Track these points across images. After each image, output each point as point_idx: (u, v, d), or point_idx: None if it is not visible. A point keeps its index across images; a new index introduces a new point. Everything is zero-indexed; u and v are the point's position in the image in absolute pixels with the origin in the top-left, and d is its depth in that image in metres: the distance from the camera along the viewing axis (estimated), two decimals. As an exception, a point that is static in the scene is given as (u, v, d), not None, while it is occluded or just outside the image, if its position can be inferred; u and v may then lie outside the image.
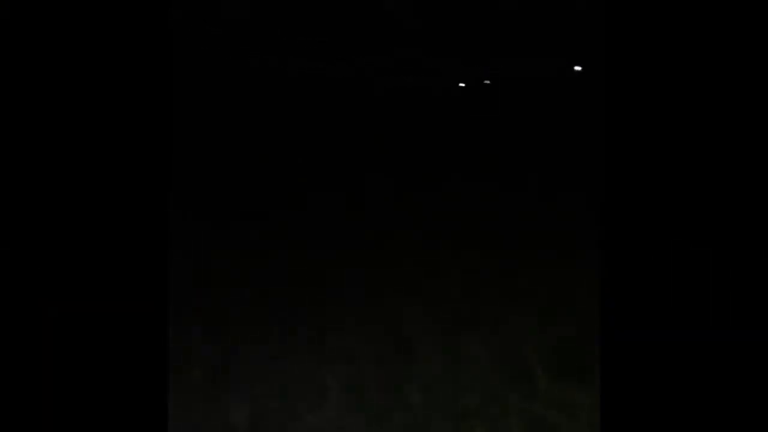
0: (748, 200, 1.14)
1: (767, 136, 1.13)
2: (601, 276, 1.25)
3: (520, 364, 2.71)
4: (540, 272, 3.99)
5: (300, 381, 2.77)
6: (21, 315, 1.21)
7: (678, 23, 1.19)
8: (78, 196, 1.25)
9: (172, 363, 3.06)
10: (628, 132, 1.23)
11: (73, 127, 1.25)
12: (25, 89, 1.24)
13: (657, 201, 1.20)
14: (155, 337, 1.29)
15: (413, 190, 7.13)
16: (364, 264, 4.58)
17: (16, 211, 1.22)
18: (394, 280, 4.20)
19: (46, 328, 1.22)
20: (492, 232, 5.37)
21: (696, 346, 1.16)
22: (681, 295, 1.18)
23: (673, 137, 1.19)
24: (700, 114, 1.17)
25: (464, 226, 5.61)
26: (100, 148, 1.27)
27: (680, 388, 1.17)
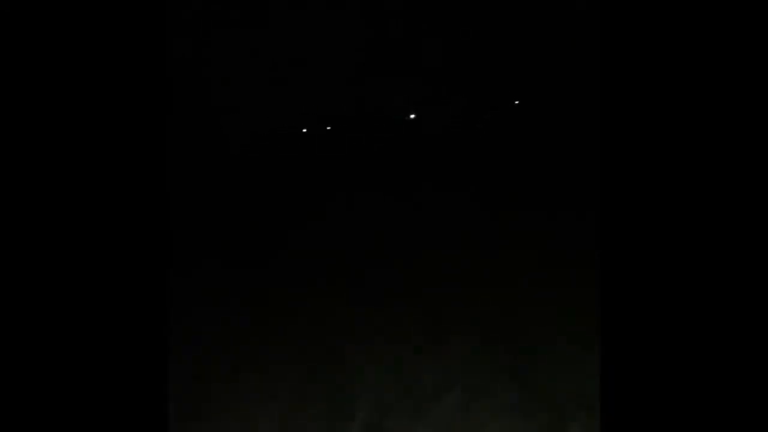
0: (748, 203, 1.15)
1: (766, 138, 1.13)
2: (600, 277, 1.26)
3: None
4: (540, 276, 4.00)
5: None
6: (21, 315, 1.21)
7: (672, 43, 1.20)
8: (77, 200, 1.25)
9: (172, 363, 3.06)
10: (625, 136, 1.23)
11: (70, 129, 1.26)
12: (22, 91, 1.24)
13: (656, 203, 1.21)
14: (155, 337, 1.30)
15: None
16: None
17: (16, 211, 1.22)
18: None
19: (46, 329, 1.23)
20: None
21: (695, 346, 1.17)
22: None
23: (670, 141, 1.20)
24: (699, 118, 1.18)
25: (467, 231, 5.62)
26: (100, 146, 1.27)
27: (681, 389, 1.17)
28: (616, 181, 1.24)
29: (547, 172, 8.90)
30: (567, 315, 3.18)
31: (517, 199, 7.40)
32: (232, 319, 3.83)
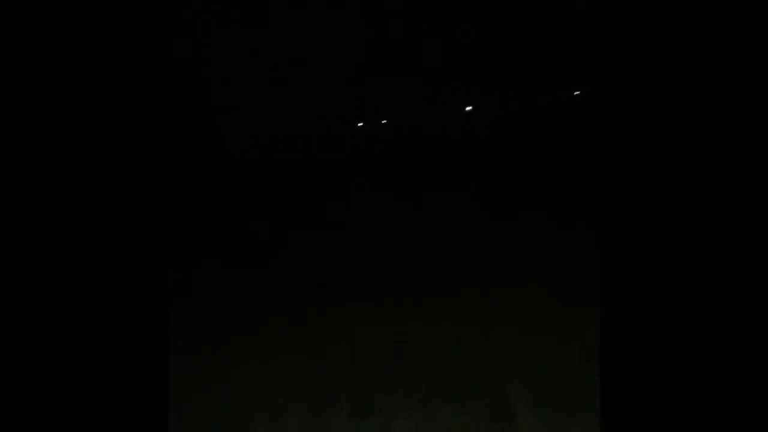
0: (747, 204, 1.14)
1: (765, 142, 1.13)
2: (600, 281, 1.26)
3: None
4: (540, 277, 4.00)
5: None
6: (21, 314, 1.21)
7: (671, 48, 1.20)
8: (77, 200, 1.25)
9: (172, 364, 3.08)
10: (626, 138, 1.23)
11: (70, 130, 1.26)
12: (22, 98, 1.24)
13: (655, 204, 1.20)
14: (155, 338, 1.30)
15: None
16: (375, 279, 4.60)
17: (17, 211, 1.22)
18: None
19: (47, 329, 1.23)
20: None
21: (694, 346, 1.17)
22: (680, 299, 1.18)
23: (669, 143, 1.20)
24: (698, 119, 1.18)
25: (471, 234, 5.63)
26: (101, 146, 1.27)
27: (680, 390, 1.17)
28: (616, 181, 1.24)
29: (548, 173, 8.91)
30: (567, 315, 3.18)
31: (517, 199, 7.42)
32: (232, 319, 3.84)
